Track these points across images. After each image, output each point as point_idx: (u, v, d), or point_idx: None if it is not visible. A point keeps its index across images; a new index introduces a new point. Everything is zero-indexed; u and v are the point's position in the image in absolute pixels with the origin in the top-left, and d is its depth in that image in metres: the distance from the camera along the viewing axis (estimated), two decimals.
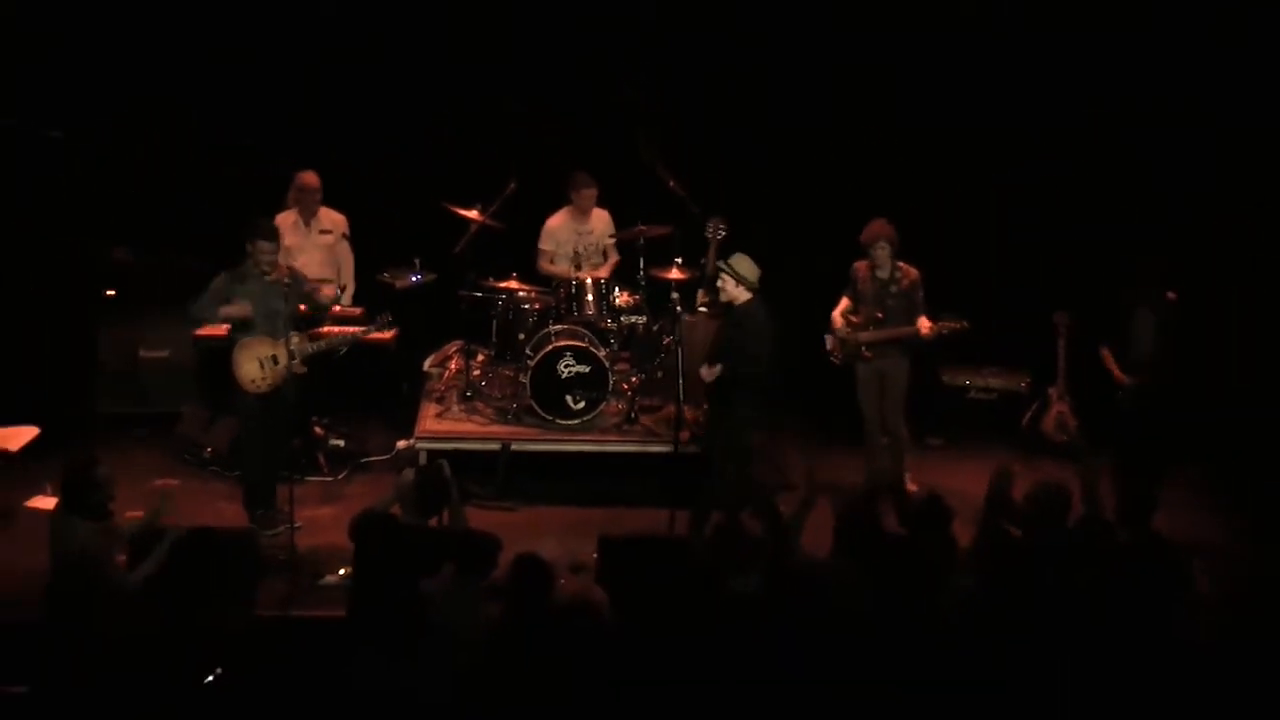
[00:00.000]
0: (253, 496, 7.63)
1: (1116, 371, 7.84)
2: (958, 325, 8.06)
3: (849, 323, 8.20)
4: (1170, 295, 7.72)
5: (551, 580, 5.51)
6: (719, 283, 7.42)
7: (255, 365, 7.43)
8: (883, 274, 8.12)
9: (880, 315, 8.11)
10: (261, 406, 7.49)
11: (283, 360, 7.41)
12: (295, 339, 7.44)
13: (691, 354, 7.99)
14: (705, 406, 7.90)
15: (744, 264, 7.37)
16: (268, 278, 7.46)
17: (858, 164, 9.63)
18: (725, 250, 7.86)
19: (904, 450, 8.41)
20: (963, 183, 9.72)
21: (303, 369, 7.55)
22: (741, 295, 7.36)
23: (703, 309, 8.54)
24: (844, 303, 8.26)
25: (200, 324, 7.72)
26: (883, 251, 8.05)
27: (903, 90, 9.69)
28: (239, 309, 7.43)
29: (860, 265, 8.20)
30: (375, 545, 5.96)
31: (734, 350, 7.36)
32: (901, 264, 8.12)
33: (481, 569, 5.73)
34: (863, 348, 8.17)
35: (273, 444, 7.61)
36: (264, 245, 7.42)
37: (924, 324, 8.04)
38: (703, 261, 8.59)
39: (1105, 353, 7.92)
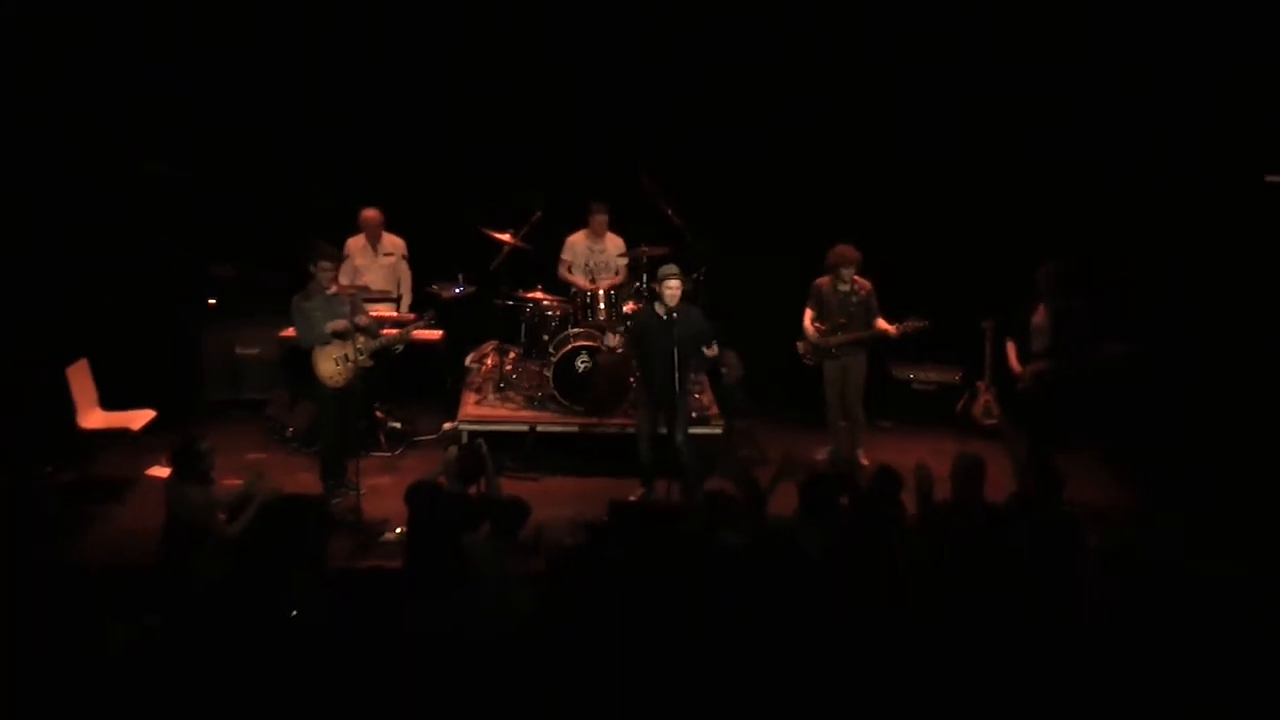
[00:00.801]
0: (327, 469, 7.66)
1: (1014, 362, 7.79)
2: (921, 324, 8.14)
3: (818, 330, 8.29)
4: (1071, 301, 7.55)
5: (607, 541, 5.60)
6: (670, 288, 7.38)
7: (332, 364, 7.47)
8: (844, 287, 8.19)
9: (844, 321, 8.18)
10: (335, 396, 7.53)
11: (353, 358, 7.47)
12: (361, 341, 7.49)
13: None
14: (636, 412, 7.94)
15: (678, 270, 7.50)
16: (329, 291, 7.49)
17: (824, 192, 9.62)
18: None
19: (860, 431, 8.47)
20: (911, 209, 9.71)
21: (369, 363, 7.59)
22: (680, 297, 7.45)
23: (617, 347, 8.22)
24: (809, 313, 8.32)
25: (320, 344, 7.46)
26: (848, 271, 8.13)
27: (900, 121, 9.57)
28: (340, 325, 7.41)
29: (822, 281, 8.26)
30: (425, 509, 6.08)
31: (703, 339, 7.42)
32: (857, 278, 8.21)
33: (513, 528, 5.77)
34: (832, 349, 8.25)
35: (344, 426, 7.64)
36: (325, 265, 7.45)
37: (883, 325, 8.13)
38: (639, 297, 8.62)
39: (1010, 345, 7.86)
